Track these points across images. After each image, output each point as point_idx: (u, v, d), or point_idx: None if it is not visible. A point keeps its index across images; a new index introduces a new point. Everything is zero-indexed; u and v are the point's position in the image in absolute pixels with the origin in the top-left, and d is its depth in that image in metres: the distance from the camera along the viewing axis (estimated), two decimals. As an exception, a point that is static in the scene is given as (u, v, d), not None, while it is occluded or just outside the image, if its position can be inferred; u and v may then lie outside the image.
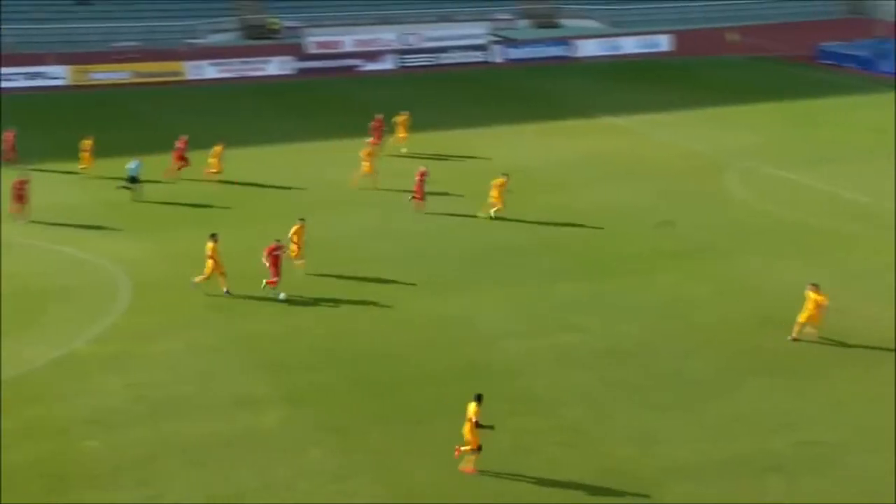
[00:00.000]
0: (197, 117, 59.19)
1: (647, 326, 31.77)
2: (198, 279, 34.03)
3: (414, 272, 35.84)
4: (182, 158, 46.73)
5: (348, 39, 79.41)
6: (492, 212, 41.00)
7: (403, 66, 76.48)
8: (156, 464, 24.52)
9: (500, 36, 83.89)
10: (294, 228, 35.53)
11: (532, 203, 42.75)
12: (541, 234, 39.95)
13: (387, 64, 76.33)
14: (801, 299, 32.93)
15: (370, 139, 49.92)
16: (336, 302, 33.54)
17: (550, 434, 25.73)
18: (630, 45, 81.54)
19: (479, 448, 23.92)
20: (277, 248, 33.78)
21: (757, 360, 29.55)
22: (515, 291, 34.34)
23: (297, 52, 77.50)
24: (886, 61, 71.87)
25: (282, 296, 33.57)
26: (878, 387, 27.84)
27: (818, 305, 30.06)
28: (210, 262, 33.70)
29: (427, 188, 42.30)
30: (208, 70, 72.33)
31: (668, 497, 23.12)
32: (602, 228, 40.40)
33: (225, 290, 33.91)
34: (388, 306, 33.30)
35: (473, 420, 23.85)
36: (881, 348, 29.95)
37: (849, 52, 75.14)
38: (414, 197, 42.27)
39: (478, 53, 78.50)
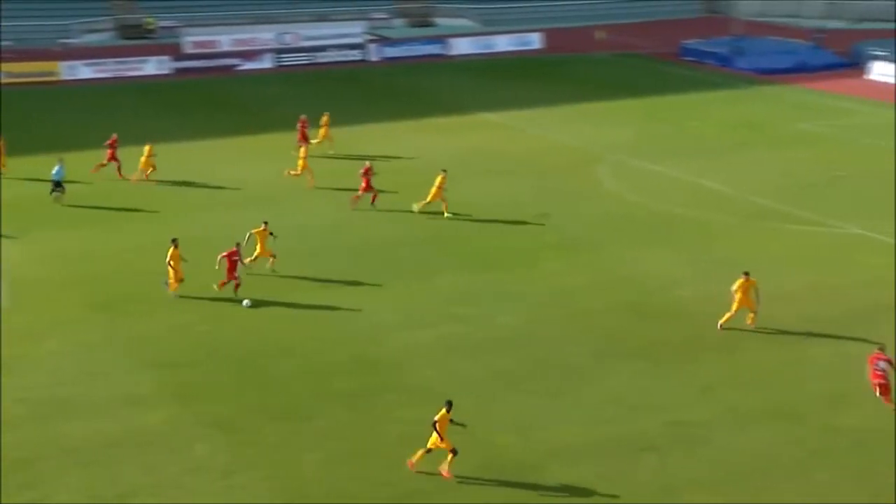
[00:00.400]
0: (75, 116, 57.86)
1: (527, 316, 32.17)
2: (172, 288, 33.26)
3: (301, 267, 35.63)
4: (114, 157, 45.84)
5: (225, 39, 78.42)
6: (417, 206, 41.12)
7: (281, 65, 75.88)
8: (40, 466, 23.91)
9: (376, 35, 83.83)
10: (256, 231, 34.99)
11: (415, 198, 42.83)
12: (425, 228, 40.09)
13: (265, 63, 75.61)
14: (671, 286, 33.85)
15: (298, 140, 49.65)
16: (220, 299, 33.14)
17: (436, 423, 25.86)
18: (503, 42, 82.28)
19: (455, 451, 23.43)
20: (235, 254, 33.12)
21: (630, 345, 30.16)
22: (401, 285, 34.41)
23: (175, 51, 76.23)
24: (742, 58, 74.01)
25: (246, 302, 32.80)
26: (741, 369, 28.69)
27: (746, 291, 30.56)
28: (172, 267, 33.07)
29: (313, 184, 42.09)
30: (83, 70, 70.68)
31: (548, 480, 23.46)
32: (483, 222, 40.74)
33: (174, 293, 33.16)
34: (274, 302, 33.05)
35: (442, 420, 23.33)
36: (744, 332, 30.85)
37: (708, 50, 77.13)
38: (360, 194, 42.00)
39: (355, 52, 78.34)
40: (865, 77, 69.02)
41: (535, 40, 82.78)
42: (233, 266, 33.08)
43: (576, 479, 23.41)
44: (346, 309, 32.59)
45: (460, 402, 26.83)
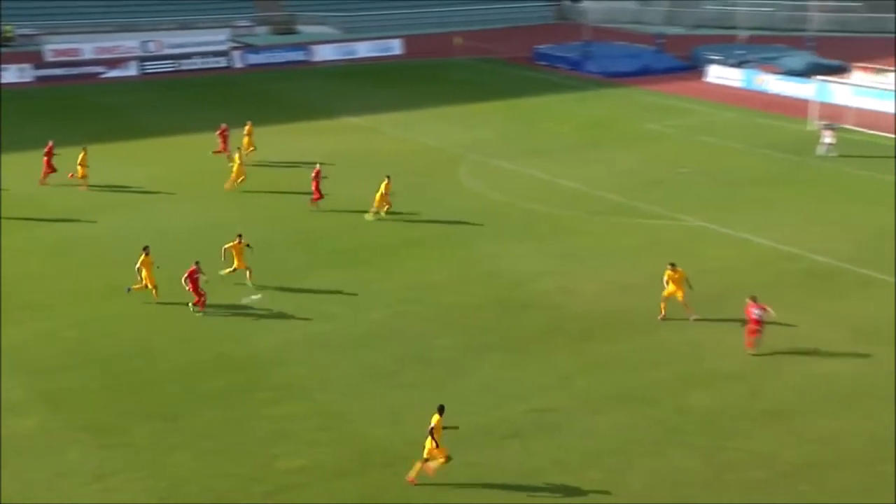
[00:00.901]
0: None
1: (394, 311, 32.15)
2: (136, 288, 32.45)
3: (171, 270, 34.90)
4: (50, 165, 44.64)
5: (88, 47, 76.37)
6: (381, 212, 40.79)
7: (146, 73, 74.25)
8: None
9: (240, 42, 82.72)
10: (231, 245, 33.88)
11: (282, 200, 42.41)
12: (294, 229, 39.71)
13: (130, 71, 73.88)
14: (531, 279, 34.25)
15: (221, 147, 48.88)
16: (86, 304, 32.20)
17: (308, 419, 25.65)
18: (364, 49, 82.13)
19: (449, 458, 22.78)
20: (196, 272, 31.84)
21: (494, 337, 30.41)
22: (271, 284, 33.97)
23: (36, 59, 73.86)
24: (591, 62, 75.43)
25: (254, 298, 32.47)
26: (597, 357, 29.22)
27: (676, 282, 31.05)
28: (145, 274, 32.11)
29: (175, 189, 41.27)
30: (-60, 78, 68.02)
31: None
32: (350, 220, 40.56)
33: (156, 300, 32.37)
34: (143, 305, 32.28)
35: (437, 427, 22.59)
36: (601, 323, 31.45)
37: (560, 54, 78.39)
38: (313, 198, 41.85)
39: (219, 59, 77.19)
40: (704, 79, 71.08)
41: (395, 46, 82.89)
42: (195, 284, 31.82)
43: (445, 466, 23.46)
44: (216, 310, 32.03)
45: (330, 397, 26.73)
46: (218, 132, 49.65)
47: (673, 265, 31.47)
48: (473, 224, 40.50)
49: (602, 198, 43.94)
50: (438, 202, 43.26)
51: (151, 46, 77.35)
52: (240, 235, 34.35)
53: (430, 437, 22.69)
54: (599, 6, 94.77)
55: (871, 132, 53.54)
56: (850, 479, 23.02)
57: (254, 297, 32.67)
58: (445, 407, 23.07)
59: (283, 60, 78.90)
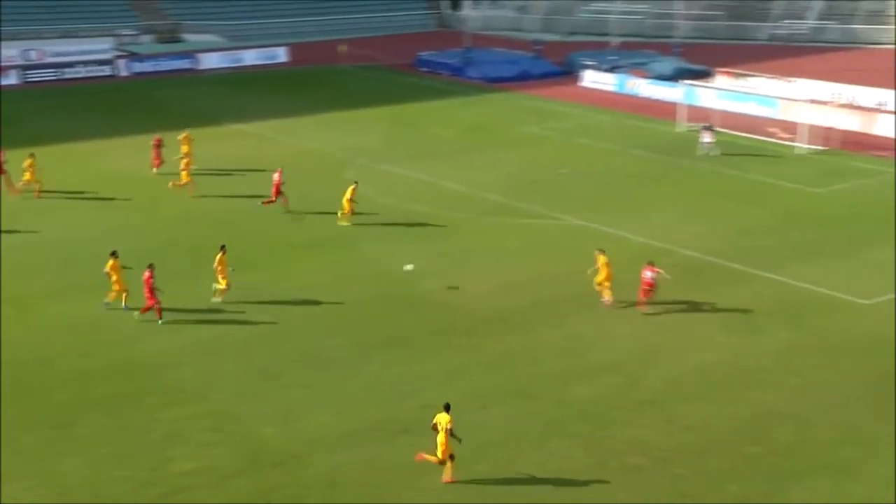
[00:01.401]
0: None
1: (282, 314, 31.81)
2: (108, 298, 31.74)
3: (63, 277, 33.97)
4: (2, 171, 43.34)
5: (-34, 55, 73.69)
6: (347, 217, 40.64)
7: (28, 81, 72.04)
8: None
9: (125, 51, 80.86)
10: (217, 258, 32.64)
11: (164, 208, 41.60)
12: (177, 237, 38.98)
13: (11, 79, 71.57)
14: (420, 279, 34.29)
15: (153, 160, 47.70)
16: (-26, 314, 31.15)
17: (199, 421, 25.20)
18: (251, 57, 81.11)
19: (453, 456, 22.69)
20: (150, 277, 30.72)
21: (383, 336, 30.34)
22: (160, 291, 33.20)
23: (-85, 68, 71.07)
24: (472, 68, 75.93)
25: (408, 267, 34.11)
26: (483, 353, 29.40)
27: (607, 265, 32.14)
28: (114, 279, 31.34)
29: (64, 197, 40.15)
30: None
31: (310, 468, 23.29)
32: (239, 226, 39.99)
33: (124, 305, 31.54)
34: (31, 312, 31.31)
35: (449, 428, 22.52)
36: (487, 320, 31.66)
37: (442, 61, 78.68)
38: (271, 200, 41.98)
39: (104, 68, 75.29)
40: (579, 84, 72.15)
41: (280, 54, 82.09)
42: (150, 291, 30.73)
43: (336, 464, 23.34)
44: (103, 317, 31.24)
45: (221, 399, 26.34)
46: (153, 143, 48.34)
47: (602, 251, 32.65)
48: (360, 226, 40.34)
49: (485, 199, 44.24)
50: (326, 205, 42.94)
51: (33, 55, 75.01)
52: (223, 247, 33.02)
53: (445, 435, 22.42)
54: (479, 14, 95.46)
55: (735, 133, 55.08)
56: (722, 462, 23.63)
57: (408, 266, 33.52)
58: (451, 405, 22.85)
59: (169, 69, 77.42)
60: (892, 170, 48.44)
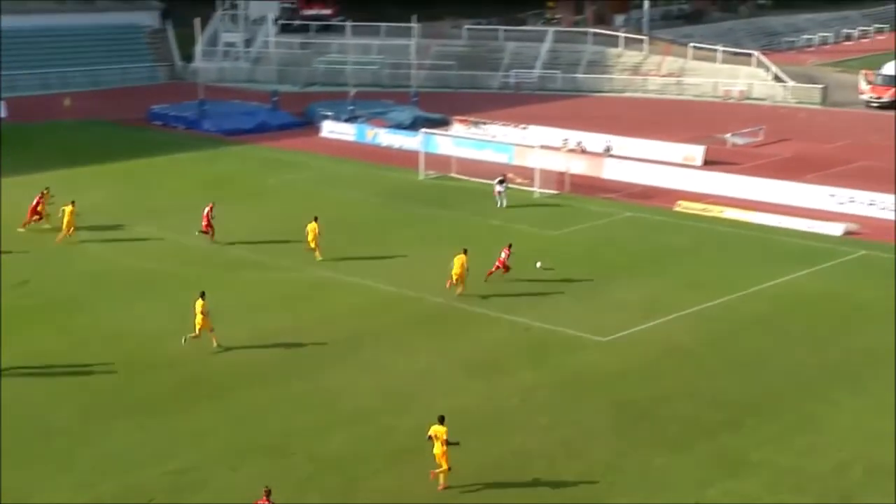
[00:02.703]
0: None
1: (10, 385, 29.90)
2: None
3: None
4: None
5: None
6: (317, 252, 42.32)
7: None
8: None
9: None
10: (198, 305, 32.61)
11: None
12: None
13: None
14: (160, 338, 33.31)
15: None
16: None
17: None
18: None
19: (449, 468, 24.41)
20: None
21: (123, 401, 29.12)
22: None
23: None
24: (208, 120, 74.88)
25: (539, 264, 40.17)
26: (232, 411, 28.72)
27: (463, 265, 37.35)
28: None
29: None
30: None
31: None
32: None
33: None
34: None
35: (445, 439, 24.37)
36: (234, 377, 31.00)
37: (176, 114, 77.11)
38: (204, 231, 44.61)
39: None
40: (319, 135, 72.63)
41: (-1, 109, 78.01)
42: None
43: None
44: None
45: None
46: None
47: (465, 250, 37.85)
48: (94, 287, 38.72)
49: (228, 253, 43.53)
50: (52, 267, 40.95)
51: None
52: (202, 293, 33.12)
53: (443, 445, 24.35)
54: (213, 66, 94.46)
55: (474, 179, 56.75)
56: (477, 505, 24.12)
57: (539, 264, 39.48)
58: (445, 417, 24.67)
59: None
60: (621, 211, 51.38)
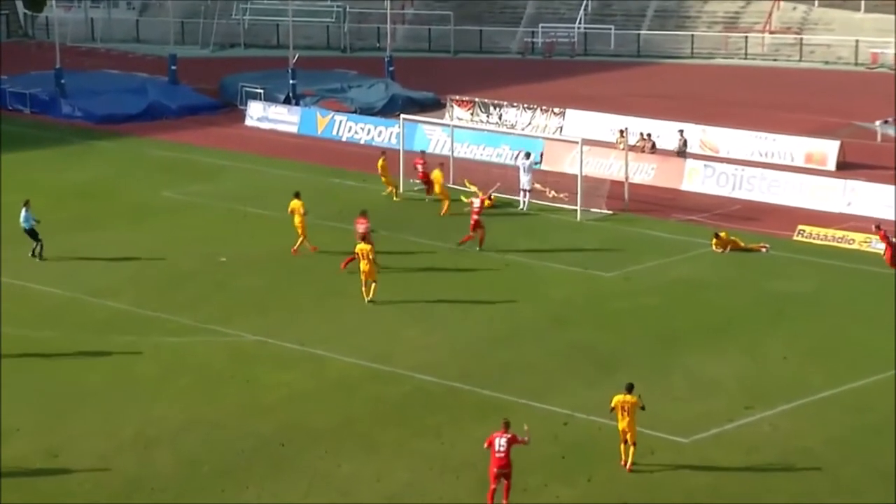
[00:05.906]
0: None
1: None
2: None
3: None
4: None
5: None
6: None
7: None
8: None
9: None
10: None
11: None
12: None
13: None
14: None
15: None
16: None
17: None
18: None
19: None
20: None
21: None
22: None
23: None
24: (70, 101, 74.49)
25: None
26: None
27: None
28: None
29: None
30: None
31: None
32: None
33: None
34: None
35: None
36: (106, 490, 31.05)
37: (19, 90, 76.54)
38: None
39: None
40: (243, 124, 72.57)
41: None
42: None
43: None
44: None
45: None
46: None
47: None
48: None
49: (101, 307, 43.63)
50: None
51: None
52: None
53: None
54: (77, 17, 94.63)
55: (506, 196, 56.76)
56: None
57: None
58: None
59: None
60: (709, 242, 51.23)
